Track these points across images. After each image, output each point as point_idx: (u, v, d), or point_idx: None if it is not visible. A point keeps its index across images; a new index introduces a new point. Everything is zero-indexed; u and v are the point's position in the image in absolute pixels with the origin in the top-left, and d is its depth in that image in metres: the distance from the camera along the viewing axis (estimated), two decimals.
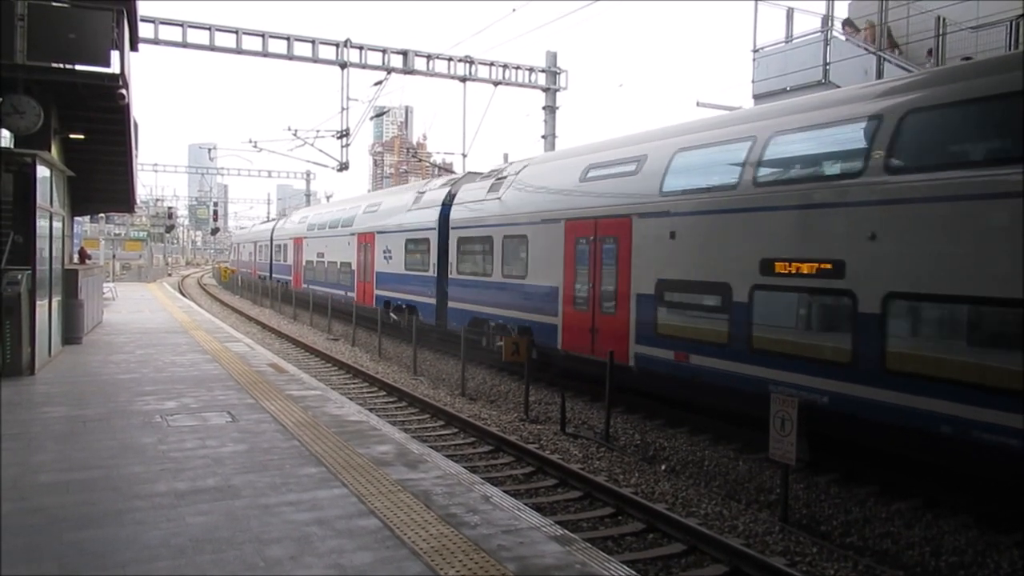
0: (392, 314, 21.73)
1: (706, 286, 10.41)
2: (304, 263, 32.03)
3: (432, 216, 19.49)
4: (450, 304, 17.97)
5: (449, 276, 18.05)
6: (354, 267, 25.21)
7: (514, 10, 22.91)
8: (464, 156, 27.18)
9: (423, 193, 21.06)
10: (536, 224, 14.39)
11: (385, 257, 22.52)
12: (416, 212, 20.73)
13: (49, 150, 11.75)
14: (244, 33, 22.60)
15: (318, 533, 5.05)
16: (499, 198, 15.94)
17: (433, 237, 19.23)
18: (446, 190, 19.46)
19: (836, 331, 8.71)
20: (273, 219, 51.00)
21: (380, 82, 24.70)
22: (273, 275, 38.83)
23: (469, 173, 19.93)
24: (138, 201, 31.11)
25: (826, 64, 15.31)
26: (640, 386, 12.32)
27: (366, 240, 24.22)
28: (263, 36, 22.83)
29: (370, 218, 24.44)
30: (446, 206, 18.77)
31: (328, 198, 69.58)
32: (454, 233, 17.91)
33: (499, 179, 16.51)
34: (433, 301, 19.10)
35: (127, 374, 11.29)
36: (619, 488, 8.50)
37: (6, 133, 11.18)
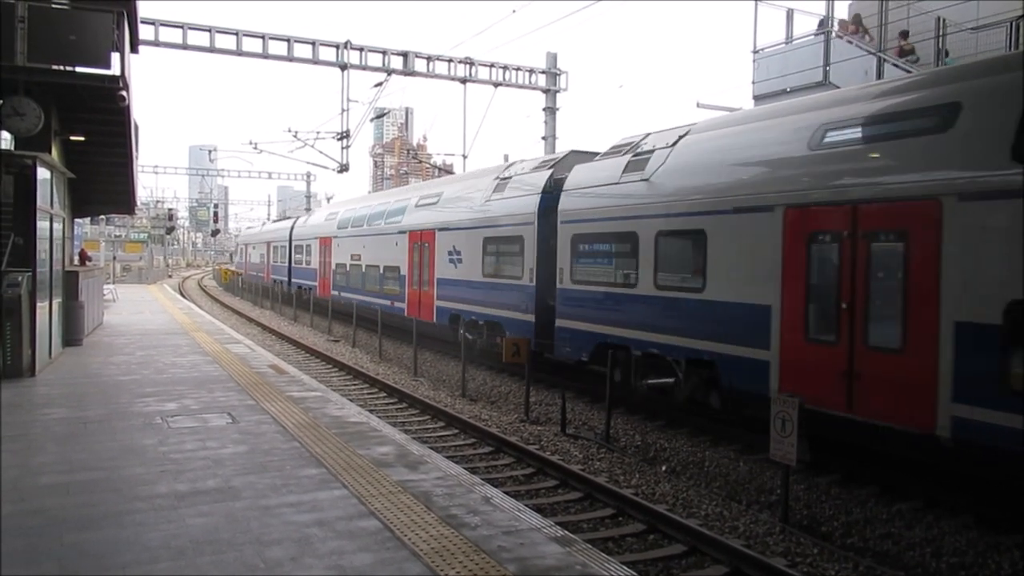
0: (465, 332, 16.69)
1: None
2: (334, 267, 27.32)
3: (527, 207, 15.29)
4: (561, 323, 13.79)
5: (559, 286, 13.85)
6: (404, 272, 20.87)
7: (514, 11, 22.94)
8: (465, 157, 27.20)
9: (507, 178, 16.85)
10: (722, 214, 10.28)
11: (451, 260, 18.18)
12: (500, 202, 16.45)
13: (49, 152, 11.75)
14: (244, 35, 22.60)
15: (318, 534, 5.05)
16: (646, 179, 11.83)
17: (529, 233, 15.03)
18: (546, 173, 15.31)
19: None
20: (287, 216, 45.37)
21: (380, 83, 24.70)
22: (293, 280, 33.78)
23: (574, 152, 15.86)
24: (138, 203, 31.19)
25: (826, 65, 15.29)
26: (958, 469, 8.52)
27: (422, 239, 19.87)
28: (263, 38, 22.83)
29: (427, 212, 20.07)
30: (548, 194, 14.73)
31: (328, 199, 69.56)
32: (567, 229, 13.65)
33: (640, 154, 12.40)
34: (530, 318, 14.87)
35: (128, 375, 11.29)
36: (620, 489, 8.50)
37: (6, 135, 11.18)
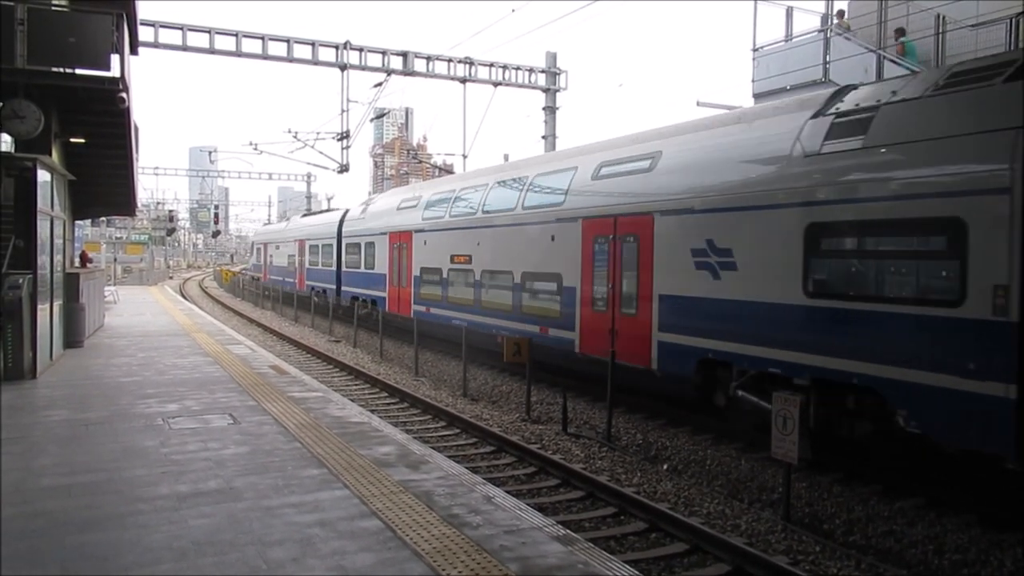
0: (741, 394, 9.88)
1: None
2: (418, 273, 19.78)
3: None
4: None
5: None
6: (570, 281, 13.23)
7: (513, 10, 22.95)
8: (465, 157, 27.19)
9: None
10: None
11: (709, 263, 10.23)
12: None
13: (50, 154, 11.77)
14: (244, 36, 22.63)
15: (320, 535, 5.05)
16: None
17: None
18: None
19: None
20: (324, 210, 38.60)
21: (380, 84, 24.72)
22: (344, 289, 26.32)
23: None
24: (139, 204, 30.88)
25: (826, 63, 15.29)
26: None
27: (622, 229, 11.94)
28: (263, 39, 22.85)
29: (630, 181, 12.08)
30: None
31: (329, 200, 69.54)
32: None
33: None
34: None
35: (129, 377, 11.30)
36: (621, 488, 8.50)
37: (7, 137, 11.20)
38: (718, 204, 10.21)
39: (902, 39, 15.56)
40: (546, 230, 14.02)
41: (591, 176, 13.16)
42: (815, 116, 9.22)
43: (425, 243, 19.48)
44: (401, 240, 21.01)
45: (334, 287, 27.31)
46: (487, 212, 16.47)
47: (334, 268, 27.64)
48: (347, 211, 28.32)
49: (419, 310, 19.45)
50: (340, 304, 26.50)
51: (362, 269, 24.54)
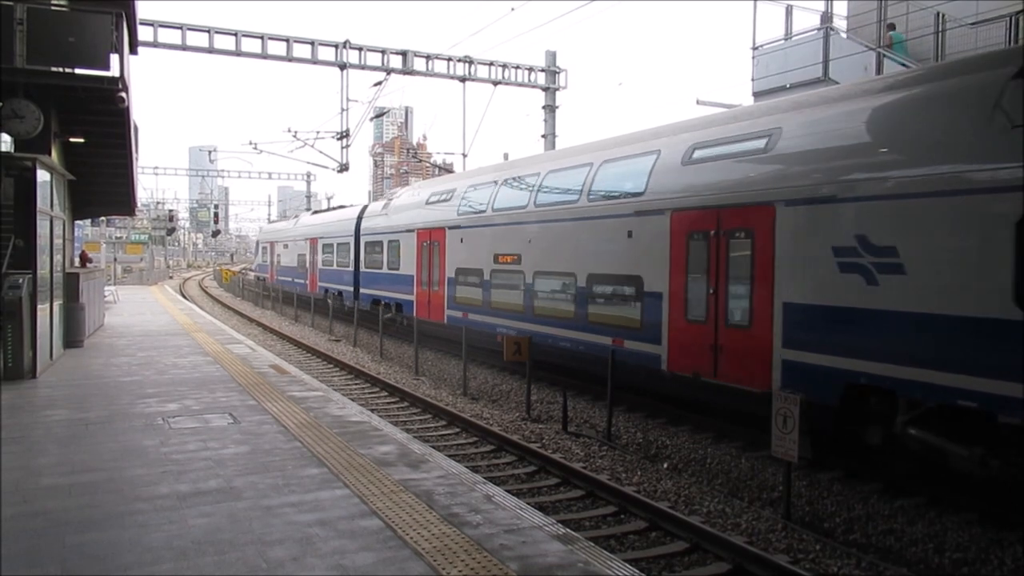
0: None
1: None
2: (452, 275, 17.65)
3: None
4: None
5: None
6: (657, 286, 11.20)
7: (512, 9, 22.91)
8: (464, 156, 27.19)
9: None
10: None
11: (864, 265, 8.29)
12: None
13: (49, 154, 11.77)
14: (243, 35, 22.61)
15: (320, 534, 5.05)
16: None
17: None
18: None
19: None
20: (338, 206, 35.16)
21: (379, 83, 24.71)
22: (363, 292, 24.39)
23: None
24: (139, 204, 30.62)
25: (826, 61, 15.30)
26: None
27: (749, 220, 9.72)
28: (262, 38, 22.84)
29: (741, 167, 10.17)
30: None
31: (329, 199, 69.56)
32: None
33: None
34: None
35: (129, 377, 11.30)
36: (621, 487, 8.50)
37: (6, 137, 11.19)
38: (874, 191, 8.09)
39: (891, 33, 15.69)
40: (620, 225, 11.92)
41: (681, 161, 11.03)
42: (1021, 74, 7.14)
43: (462, 241, 17.25)
44: (432, 238, 18.83)
45: (351, 289, 25.19)
46: (541, 205, 14.38)
47: (351, 268, 25.54)
48: (366, 207, 26.28)
49: (454, 316, 17.39)
50: (358, 308, 23.73)
51: (384, 269, 22.38)
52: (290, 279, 34.41)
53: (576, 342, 13.01)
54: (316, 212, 37.38)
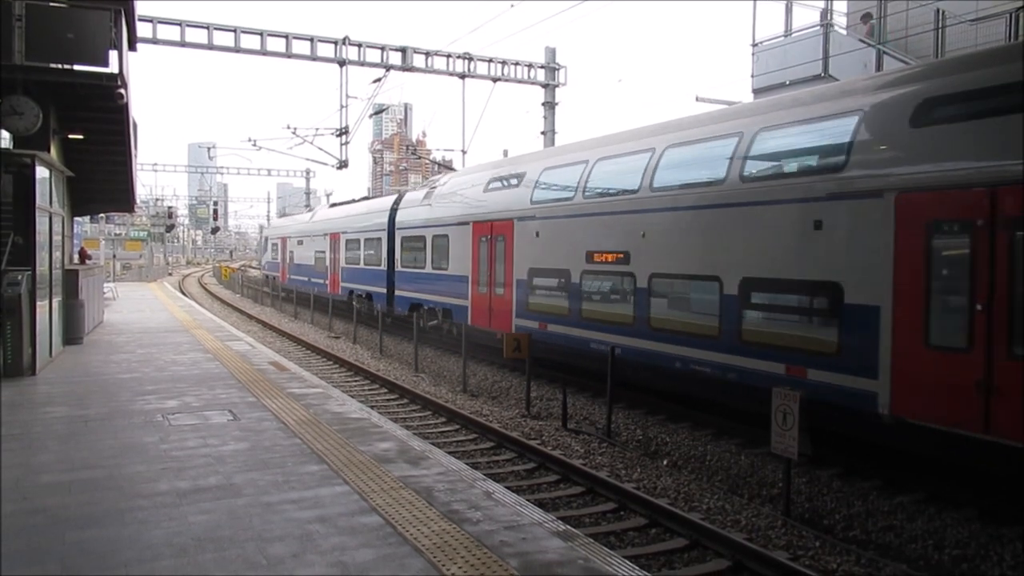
0: None
1: None
2: (526, 278, 14.66)
3: None
4: None
5: None
6: (990, 307, 7.09)
7: (512, 6, 22.88)
8: (464, 153, 27.16)
9: None
10: None
11: None
12: None
13: (48, 151, 11.75)
14: (242, 31, 22.56)
15: (320, 531, 5.05)
16: None
17: None
18: None
19: None
20: (363, 197, 31.22)
21: (379, 79, 24.66)
22: (398, 295, 21.22)
23: None
24: (138, 201, 30.32)
25: (826, 57, 15.29)
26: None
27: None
28: (261, 35, 22.78)
29: None
30: None
31: (328, 197, 69.48)
32: None
33: None
34: None
35: (128, 373, 11.29)
36: (621, 483, 8.50)
37: (5, 134, 11.18)
38: None
39: (871, 21, 15.88)
40: (800, 213, 9.06)
41: (909, 121, 8.02)
42: None
43: (537, 235, 14.17)
44: (494, 231, 15.77)
45: (382, 291, 22.28)
46: (661, 189, 11.30)
47: (383, 267, 22.50)
48: (401, 196, 23.05)
49: (526, 326, 14.33)
50: (394, 313, 21.50)
51: (427, 269, 19.20)
52: (306, 279, 31.39)
53: (723, 368, 9.98)
54: (336, 204, 33.32)
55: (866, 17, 16.04)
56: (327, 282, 28.56)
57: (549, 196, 14.19)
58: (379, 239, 23.12)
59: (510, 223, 15.17)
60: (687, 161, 11.31)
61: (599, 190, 12.85)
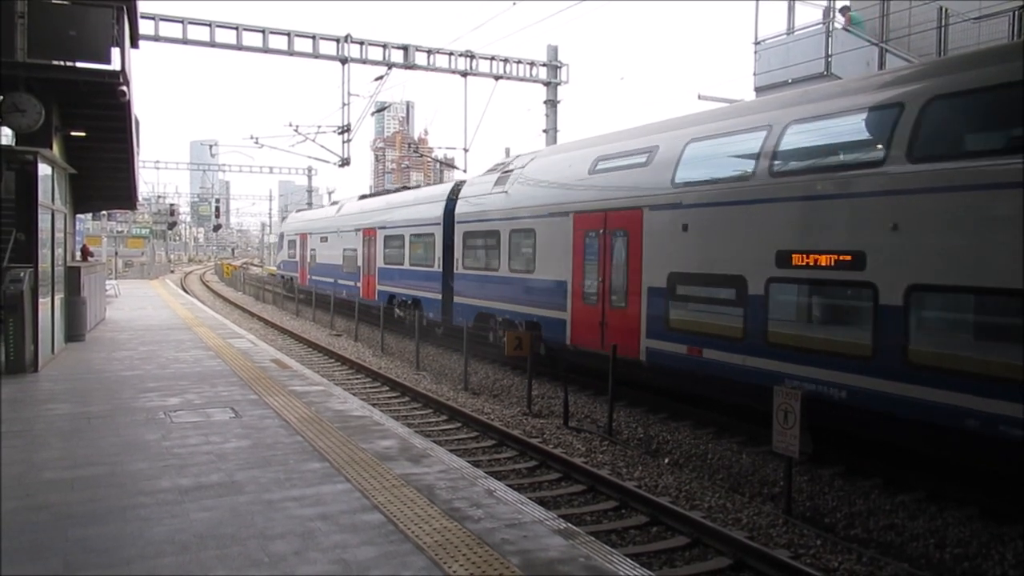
0: None
1: None
2: (666, 283, 11.21)
3: None
4: None
5: None
6: None
7: (514, 4, 22.85)
8: (466, 151, 27.11)
9: None
10: None
11: None
12: None
13: (50, 148, 11.75)
14: (244, 29, 22.55)
15: (322, 528, 5.06)
16: None
17: None
18: None
19: None
20: (400, 187, 27.65)
21: (381, 77, 24.64)
22: (459, 302, 17.83)
23: None
24: (140, 198, 30.33)
25: (828, 56, 15.27)
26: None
27: None
28: (263, 32, 22.77)
29: None
30: None
31: (330, 194, 69.47)
32: None
33: None
34: None
35: (130, 371, 11.30)
36: (622, 482, 8.51)
37: (7, 131, 11.17)
38: None
39: (851, 12, 16.11)
40: None
41: None
42: None
43: (686, 228, 10.81)
44: (611, 224, 12.37)
45: (436, 296, 19.22)
46: (928, 160, 7.81)
47: (436, 268, 19.34)
48: (459, 183, 19.59)
49: (665, 349, 11.07)
50: (451, 324, 18.37)
51: (502, 271, 15.85)
52: (332, 280, 27.94)
53: None
54: (366, 196, 29.61)
55: (844, 9, 16.21)
56: (359, 284, 25.34)
57: (705, 175, 10.81)
58: (431, 235, 19.89)
59: (636, 213, 11.72)
60: (959, 123, 8.04)
61: (800, 165, 9.53)
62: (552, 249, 14.04)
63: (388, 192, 27.73)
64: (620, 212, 12.17)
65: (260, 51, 22.87)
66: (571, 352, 13.30)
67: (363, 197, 29.38)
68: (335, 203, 31.86)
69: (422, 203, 21.18)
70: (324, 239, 29.71)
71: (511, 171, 16.37)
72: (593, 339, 12.73)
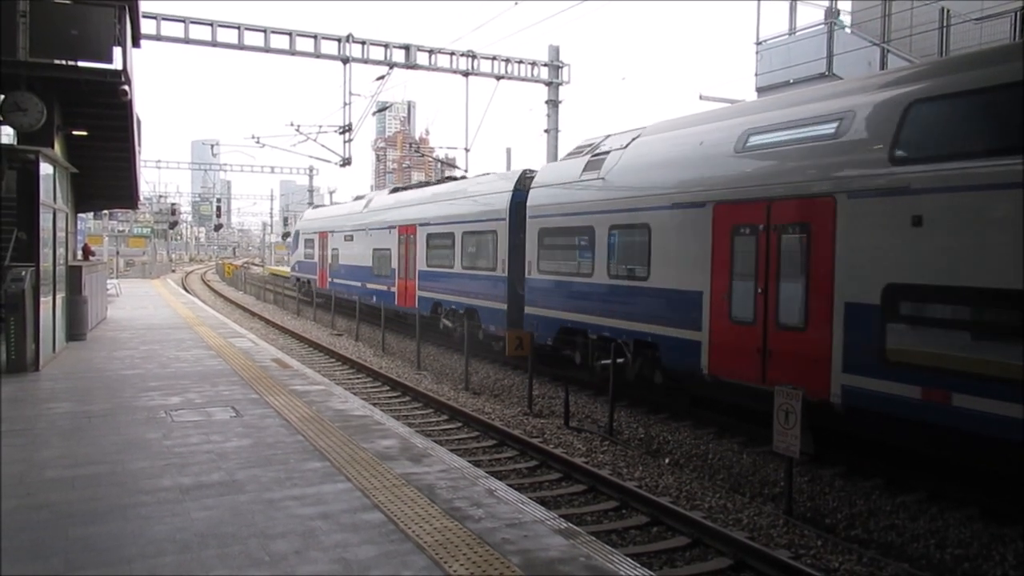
0: None
1: None
2: (888, 294, 7.94)
3: None
4: None
5: None
6: None
7: (516, 4, 22.85)
8: (467, 151, 27.12)
9: None
10: None
11: None
12: None
13: (52, 147, 11.76)
14: (246, 29, 22.58)
15: (323, 527, 5.06)
16: None
17: None
18: None
19: None
20: (450, 177, 23.46)
21: (382, 77, 24.67)
22: (533, 313, 14.82)
23: None
24: (141, 198, 30.32)
25: (830, 56, 15.28)
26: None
27: None
28: (265, 32, 22.80)
29: None
30: None
31: (331, 194, 69.50)
32: None
33: None
34: None
35: (131, 370, 11.31)
36: (623, 482, 8.51)
37: (9, 130, 11.18)
38: None
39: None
40: None
41: None
42: None
43: (919, 222, 7.71)
44: (776, 218, 9.42)
45: (500, 307, 16.35)
46: None
47: (500, 272, 16.45)
48: (527, 172, 16.64)
49: (883, 392, 7.95)
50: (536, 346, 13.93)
51: (596, 278, 12.92)
52: (358, 284, 25.11)
53: None
54: (398, 189, 26.08)
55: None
56: (393, 290, 22.28)
57: (948, 151, 7.67)
58: (491, 232, 16.89)
59: (825, 203, 8.74)
60: None
61: None
62: (676, 249, 11.07)
63: (428, 184, 23.96)
64: (794, 201, 9.18)
65: (262, 51, 22.90)
66: (707, 383, 10.53)
67: (396, 189, 25.95)
68: (360, 197, 28.89)
69: (479, 195, 17.99)
70: (349, 238, 26.58)
71: (606, 153, 13.24)
72: (747, 369, 9.73)
